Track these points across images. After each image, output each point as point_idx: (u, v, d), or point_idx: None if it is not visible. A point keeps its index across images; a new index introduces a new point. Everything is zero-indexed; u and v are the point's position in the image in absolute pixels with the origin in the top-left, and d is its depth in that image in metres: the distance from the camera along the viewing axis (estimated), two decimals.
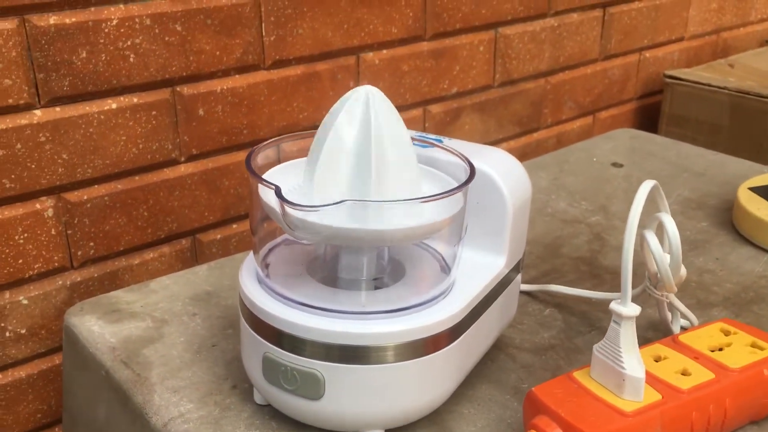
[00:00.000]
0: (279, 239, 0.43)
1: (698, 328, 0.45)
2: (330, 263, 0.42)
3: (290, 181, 0.40)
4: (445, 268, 0.42)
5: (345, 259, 0.41)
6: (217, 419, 0.42)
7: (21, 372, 0.63)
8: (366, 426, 0.39)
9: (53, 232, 0.61)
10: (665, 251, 0.42)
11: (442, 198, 0.38)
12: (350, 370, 0.37)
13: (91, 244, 0.64)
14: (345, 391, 0.38)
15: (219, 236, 0.71)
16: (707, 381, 0.40)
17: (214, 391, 0.44)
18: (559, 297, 0.56)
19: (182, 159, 0.67)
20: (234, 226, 0.72)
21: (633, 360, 0.38)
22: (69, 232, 0.62)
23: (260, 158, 0.41)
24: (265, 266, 0.41)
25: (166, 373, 0.45)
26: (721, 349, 0.43)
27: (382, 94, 0.40)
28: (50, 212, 0.61)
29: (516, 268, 0.47)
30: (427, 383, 0.39)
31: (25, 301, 0.62)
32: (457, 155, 0.42)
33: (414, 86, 0.80)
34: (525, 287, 0.56)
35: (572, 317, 0.53)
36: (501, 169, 0.44)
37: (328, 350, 0.37)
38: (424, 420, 0.42)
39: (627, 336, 0.38)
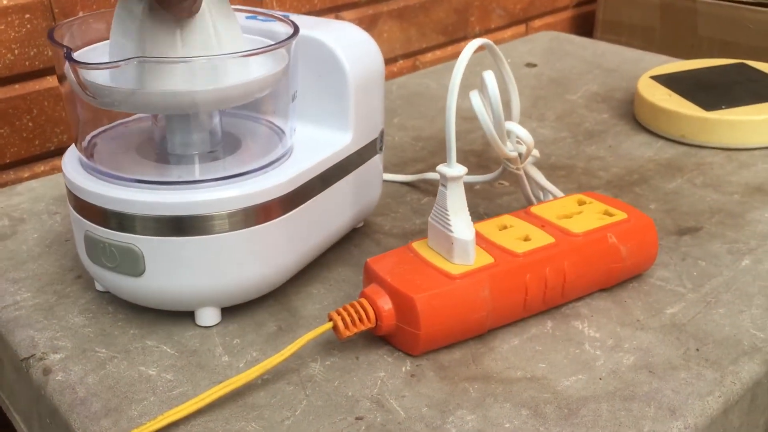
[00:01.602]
0: (106, 126, 0.42)
1: (554, 200, 0.44)
2: (160, 142, 0.40)
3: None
4: (281, 135, 0.41)
5: (172, 135, 0.39)
6: (52, 306, 0.41)
7: None
8: (196, 303, 0.39)
9: None
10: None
11: (254, 54, 0.36)
12: (167, 243, 0.36)
13: None
14: (165, 265, 0.37)
15: None
16: (545, 245, 0.39)
17: (56, 281, 0.43)
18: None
19: None
20: None
21: (461, 222, 0.37)
22: None
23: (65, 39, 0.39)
24: (89, 150, 0.40)
25: (10, 266, 0.44)
26: (569, 217, 0.42)
27: None
28: None
29: (370, 149, 0.45)
30: (260, 256, 0.38)
31: None
32: (281, 20, 0.40)
33: None
34: (404, 178, 0.55)
35: None
36: (344, 41, 0.42)
37: (144, 223, 0.36)
38: (268, 298, 0.41)
39: (453, 198, 0.37)
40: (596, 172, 0.56)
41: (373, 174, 0.46)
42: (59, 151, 0.66)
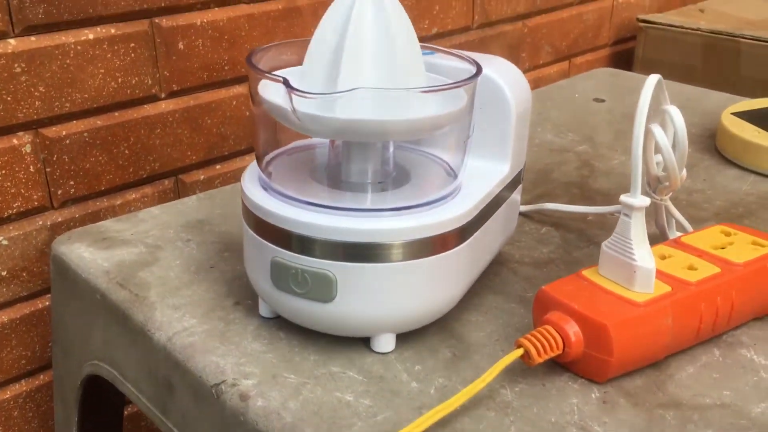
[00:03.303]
0: (281, 149, 0.42)
1: (697, 231, 0.46)
2: (334, 169, 0.41)
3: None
4: (451, 172, 0.41)
5: (349, 163, 0.40)
6: (223, 332, 0.41)
7: (3, 317, 0.61)
8: (377, 329, 0.39)
9: (32, 169, 0.59)
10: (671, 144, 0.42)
11: (451, 88, 0.37)
12: (362, 269, 0.37)
13: (72, 182, 0.62)
14: (356, 291, 0.37)
15: (202, 176, 0.70)
16: (714, 274, 0.40)
17: (216, 307, 0.43)
18: (554, 216, 0.56)
19: (163, 95, 0.65)
20: (217, 166, 0.70)
21: (643, 251, 0.38)
22: (48, 169, 0.60)
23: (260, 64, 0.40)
24: (269, 173, 0.40)
25: (165, 292, 0.44)
26: (723, 248, 0.43)
27: None
28: (28, 148, 0.58)
29: (516, 180, 0.46)
30: (436, 284, 0.39)
31: (5, 242, 0.59)
32: (461, 57, 0.41)
33: None
34: (522, 208, 0.56)
35: (569, 234, 0.53)
36: (504, 74, 0.44)
37: (339, 249, 0.36)
38: (434, 326, 0.42)
39: (637, 228, 0.38)
40: (701, 205, 0.58)
41: (515, 204, 0.48)
42: (150, 179, 0.66)
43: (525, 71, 0.98)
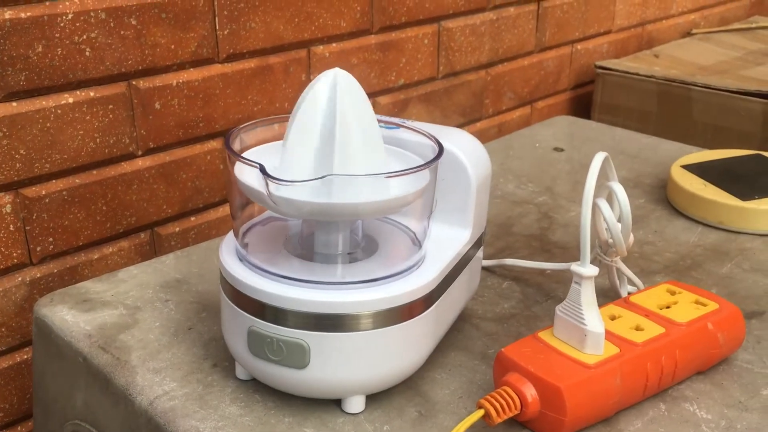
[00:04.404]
0: (255, 220, 0.45)
1: (646, 290, 0.49)
2: (306, 240, 0.44)
3: (265, 162, 0.42)
4: (416, 242, 0.44)
5: (321, 235, 0.43)
6: (202, 395, 0.43)
7: None
8: (349, 392, 0.42)
9: (11, 228, 0.61)
10: (616, 218, 0.46)
11: (415, 172, 0.40)
12: (333, 338, 0.39)
13: (50, 239, 0.63)
14: (328, 358, 0.40)
15: (178, 229, 0.72)
16: (659, 335, 0.44)
17: (195, 370, 0.45)
18: (515, 271, 0.59)
19: (139, 153, 0.67)
20: (192, 218, 0.73)
21: (593, 316, 0.41)
22: (27, 227, 0.62)
23: (235, 143, 0.42)
24: (245, 245, 0.43)
25: (145, 355, 0.46)
26: (668, 307, 0.46)
27: (351, 76, 0.42)
28: (8, 208, 0.60)
29: (478, 242, 0.50)
30: (404, 349, 0.42)
31: None
32: (423, 134, 0.44)
33: (363, 78, 0.82)
34: (484, 263, 0.59)
35: (529, 288, 0.57)
36: (464, 147, 0.47)
37: (311, 320, 0.39)
38: (401, 385, 0.44)
39: (587, 295, 0.41)
40: (651, 257, 0.62)
41: (477, 262, 0.51)
42: (126, 233, 0.68)
43: (488, 117, 1.02)
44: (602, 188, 0.47)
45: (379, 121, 0.45)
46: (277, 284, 0.40)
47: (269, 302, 0.39)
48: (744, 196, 0.66)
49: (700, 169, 0.72)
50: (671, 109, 1.05)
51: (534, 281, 0.58)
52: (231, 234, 0.44)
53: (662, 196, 0.73)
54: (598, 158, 0.42)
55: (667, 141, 0.87)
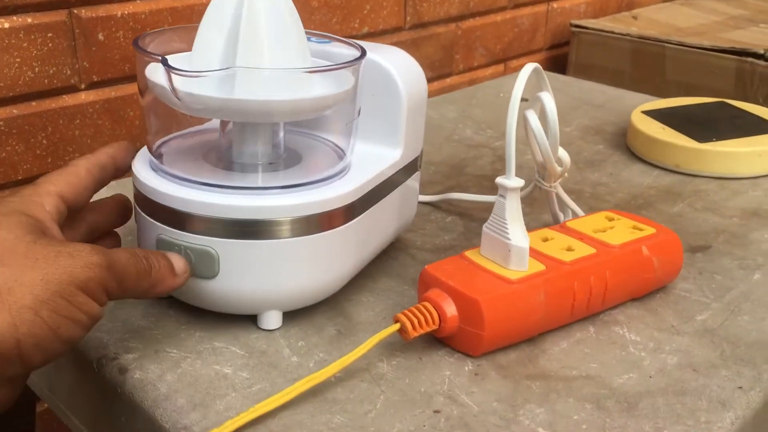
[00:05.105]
0: (175, 134, 0.43)
1: (586, 216, 0.48)
2: (226, 152, 0.42)
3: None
4: (340, 153, 0.43)
5: (238, 144, 0.41)
6: (112, 309, 0.41)
7: None
8: (262, 306, 0.40)
9: None
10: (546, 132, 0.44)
11: (327, 71, 0.38)
12: (244, 246, 0.38)
13: None
14: (239, 267, 0.38)
15: None
16: (589, 255, 0.42)
17: None
18: (461, 207, 0.57)
19: (82, 86, 0.65)
20: None
21: (518, 231, 0.40)
22: None
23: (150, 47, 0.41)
24: (159, 155, 0.41)
25: None
26: (604, 231, 0.45)
27: None
28: None
29: (412, 167, 0.48)
30: (322, 262, 0.40)
31: None
32: (350, 44, 0.43)
33: (324, 23, 0.80)
34: (428, 198, 0.57)
35: (472, 222, 0.55)
36: (397, 64, 0.45)
37: (222, 226, 0.37)
38: (323, 305, 0.43)
39: (512, 208, 0.40)
40: (603, 197, 0.60)
41: (412, 190, 0.49)
42: None
43: (459, 72, 1.00)
44: (533, 99, 0.45)
45: (310, 33, 0.44)
46: (186, 189, 0.38)
47: (177, 207, 0.38)
48: (702, 139, 0.64)
49: (660, 114, 0.70)
50: (644, 68, 1.03)
51: (479, 216, 0.56)
52: (145, 147, 0.42)
53: (623, 143, 0.71)
54: (528, 68, 0.41)
55: (635, 93, 0.86)
